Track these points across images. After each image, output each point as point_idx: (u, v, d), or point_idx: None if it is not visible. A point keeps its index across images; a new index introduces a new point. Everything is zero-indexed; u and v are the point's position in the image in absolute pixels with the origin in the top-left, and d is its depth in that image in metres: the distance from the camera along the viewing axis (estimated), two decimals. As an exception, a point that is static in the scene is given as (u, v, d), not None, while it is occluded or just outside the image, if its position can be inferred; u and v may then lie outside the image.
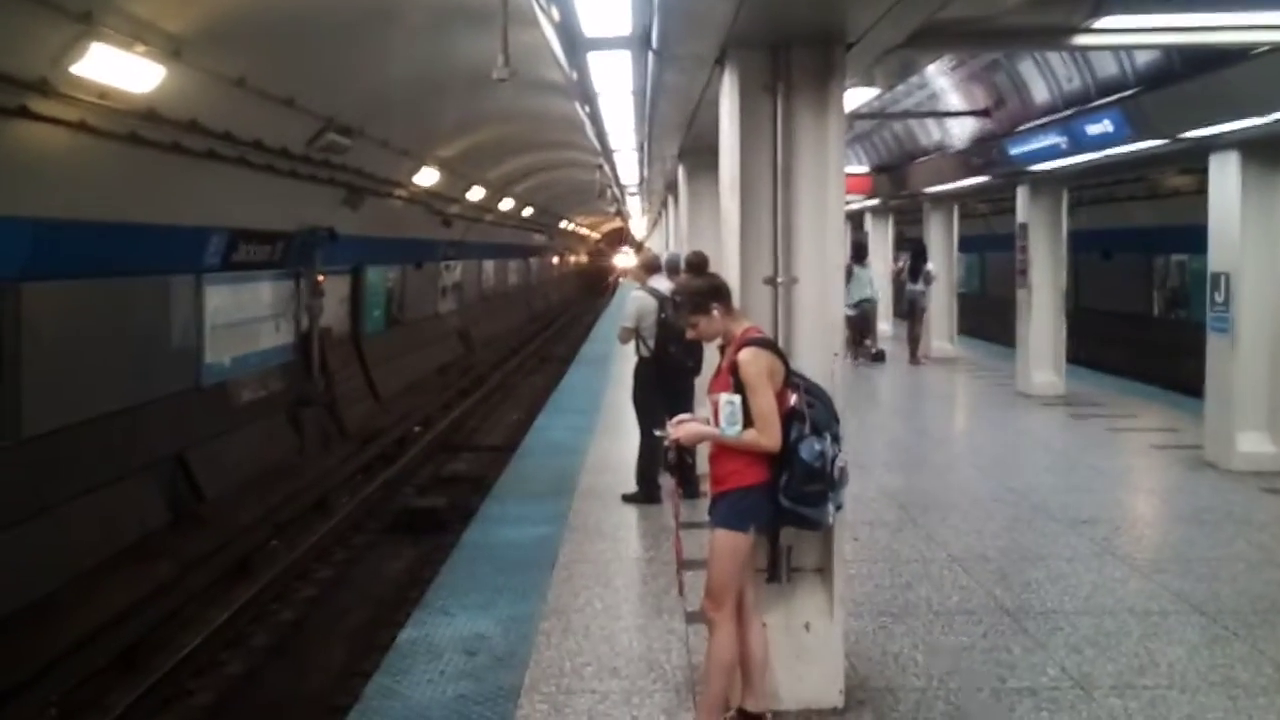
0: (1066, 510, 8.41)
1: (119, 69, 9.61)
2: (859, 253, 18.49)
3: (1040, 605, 6.26)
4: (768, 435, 4.30)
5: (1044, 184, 14.36)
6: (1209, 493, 9.02)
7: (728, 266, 5.00)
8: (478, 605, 6.41)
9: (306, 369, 18.19)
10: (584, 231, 68.06)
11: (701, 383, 7.76)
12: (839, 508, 4.50)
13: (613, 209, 40.71)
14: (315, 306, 18.24)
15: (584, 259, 77.31)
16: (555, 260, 60.27)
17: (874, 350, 18.52)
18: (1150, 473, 10.18)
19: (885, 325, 21.05)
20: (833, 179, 4.86)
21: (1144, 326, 20.43)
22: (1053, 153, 12.12)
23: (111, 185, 11.20)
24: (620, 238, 72.14)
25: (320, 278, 18.23)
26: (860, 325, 17.88)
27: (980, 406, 13.30)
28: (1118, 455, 10.83)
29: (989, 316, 22.87)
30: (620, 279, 61.91)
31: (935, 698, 4.97)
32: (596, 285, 70.11)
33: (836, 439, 4.40)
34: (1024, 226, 14.67)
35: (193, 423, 14.03)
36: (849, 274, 16.82)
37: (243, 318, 16.05)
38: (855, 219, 23.57)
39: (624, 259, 75.08)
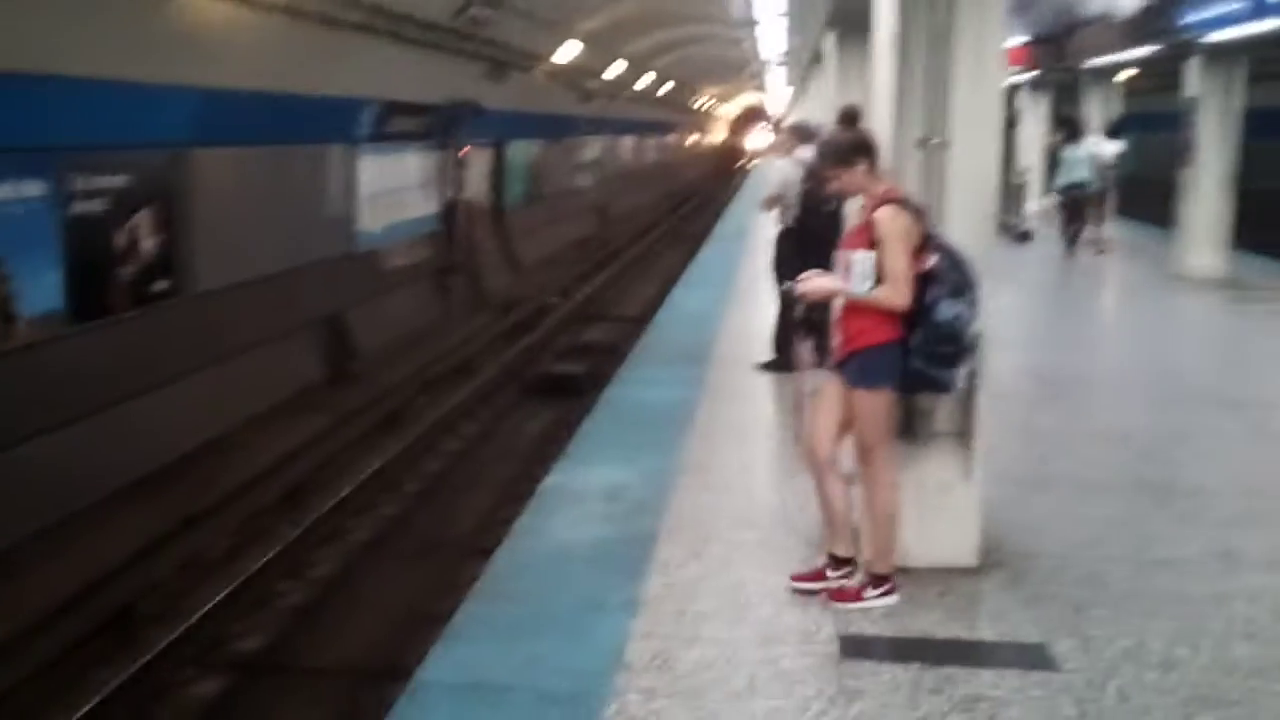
0: (1218, 392, 8.21)
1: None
2: (1071, 129, 15.81)
3: (1186, 483, 6.18)
4: (898, 294, 4.33)
5: (1218, 56, 13.41)
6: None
7: (879, 127, 5.02)
8: (618, 458, 6.66)
9: (451, 238, 18.70)
10: (720, 109, 67.06)
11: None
12: (971, 372, 4.54)
13: (752, 85, 40.06)
14: (460, 178, 18.64)
15: (719, 138, 76.30)
16: (690, 138, 59.68)
17: (1021, 229, 17.13)
18: (1312, 358, 9.77)
19: (1035, 204, 20.35)
20: (992, 40, 4.80)
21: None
22: (1232, 19, 11.33)
23: (272, 57, 11.62)
24: (757, 116, 70.67)
25: (464, 150, 18.56)
26: (1072, 214, 15.40)
27: (1132, 287, 12.92)
28: (1276, 339, 10.44)
29: (1143, 199, 21.93)
30: (751, 162, 60.55)
31: (1071, 564, 5.01)
32: (730, 165, 69.13)
33: (974, 304, 4.40)
34: (1193, 101, 13.98)
35: (346, 286, 14.66)
36: (1054, 155, 15.20)
37: (393, 187, 16.55)
38: (1008, 93, 22.60)
39: (758, 138, 73.37)
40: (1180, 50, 13.75)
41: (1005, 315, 10.96)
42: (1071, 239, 15.22)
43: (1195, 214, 13.89)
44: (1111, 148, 16.03)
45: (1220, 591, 4.73)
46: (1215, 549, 5.21)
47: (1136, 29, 14.23)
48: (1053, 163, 14.94)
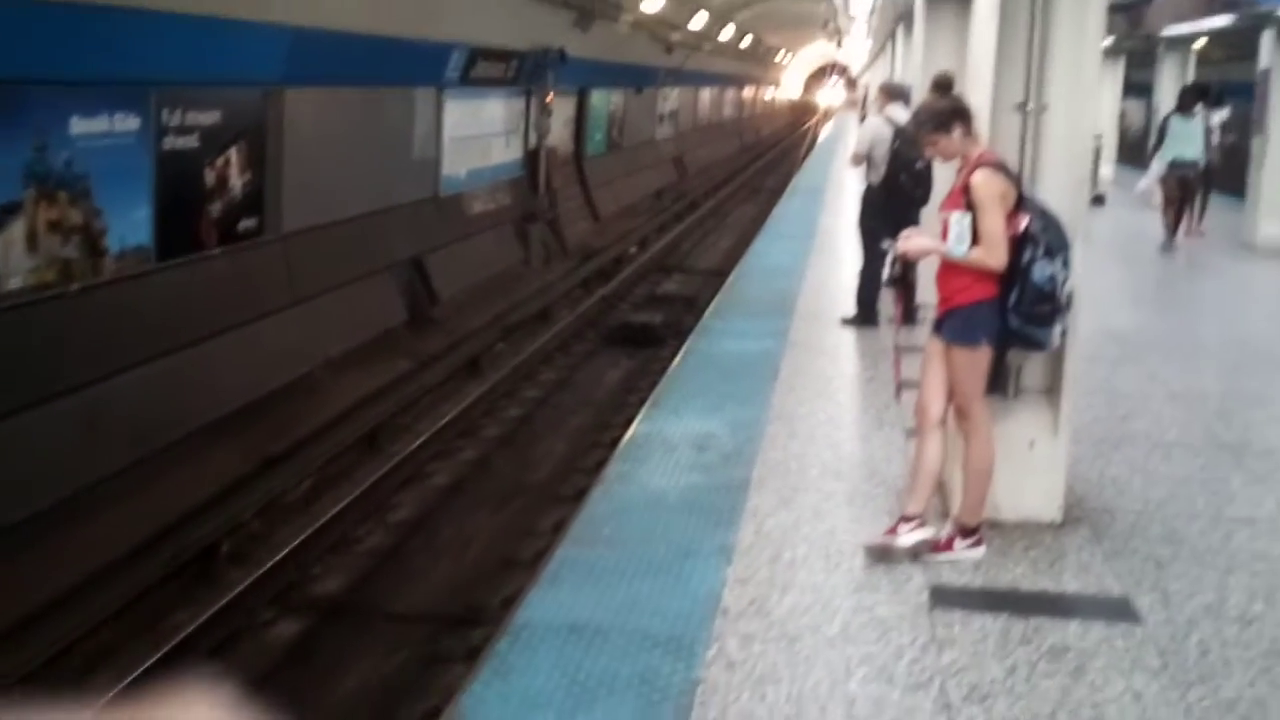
0: (1291, 357, 8.22)
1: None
2: (1184, 99, 13.58)
3: (1262, 443, 6.27)
4: (994, 255, 4.44)
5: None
6: None
7: (977, 91, 5.07)
8: (705, 407, 6.79)
9: (533, 185, 18.83)
10: (798, 64, 66.32)
11: (929, 213, 7.86)
12: (1064, 331, 4.65)
13: (834, 42, 39.61)
14: (543, 126, 18.72)
15: (796, 93, 75.52)
16: (768, 92, 59.17)
17: (1096, 193, 15.62)
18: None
19: (1108, 170, 20.05)
20: (1094, 5, 4.84)
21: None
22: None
23: (362, -2, 11.76)
24: (834, 72, 69.76)
25: (549, 97, 18.65)
26: (1180, 193, 13.25)
27: (1204, 254, 12.81)
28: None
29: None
30: (828, 118, 59.66)
31: (1151, 520, 5.12)
32: (806, 119, 68.33)
33: (1067, 264, 4.51)
34: (1265, 72, 13.77)
35: (430, 230, 14.84)
36: (1163, 129, 13.35)
37: (477, 133, 16.69)
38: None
39: (833, 93, 72.40)
40: (1257, 21, 13.51)
41: (1088, 277, 10.93)
42: (1174, 225, 13.26)
43: (1266, 183, 13.73)
44: (1217, 118, 14.23)
45: (1295, 549, 4.83)
46: (1290, 509, 5.30)
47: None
48: (1161, 136, 13.28)
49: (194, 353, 9.81)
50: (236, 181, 10.70)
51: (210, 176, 10.32)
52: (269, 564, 7.36)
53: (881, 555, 4.63)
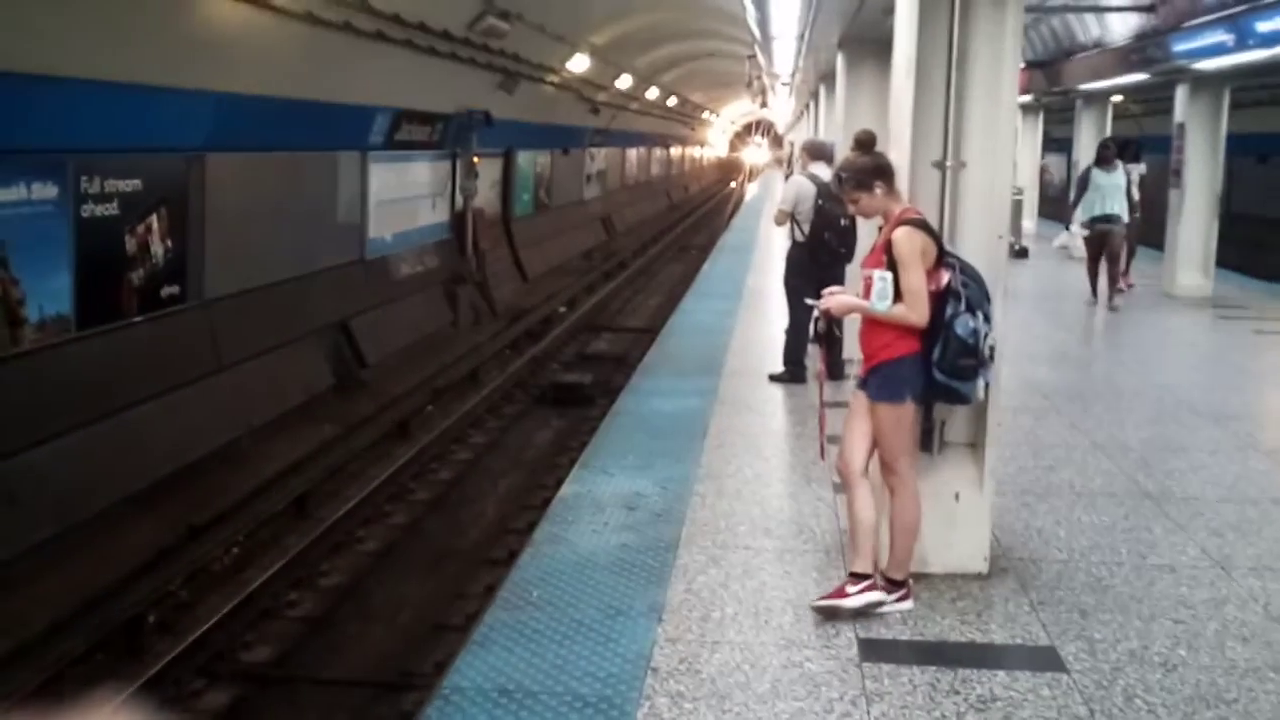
0: (1210, 406, 8.42)
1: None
2: (1104, 152, 13.31)
3: (1182, 492, 6.39)
4: (917, 311, 4.50)
5: (1205, 83, 13.90)
6: (1360, 398, 8.93)
7: (897, 149, 5.15)
8: (635, 466, 6.78)
9: (460, 247, 18.85)
10: (724, 124, 67.33)
11: (852, 270, 7.97)
12: (988, 384, 4.72)
13: (758, 101, 40.27)
14: (470, 187, 18.77)
15: (722, 152, 76.55)
16: (694, 152, 59.95)
17: (1018, 246, 16.57)
18: (1298, 375, 10.07)
19: (1030, 223, 20.55)
20: (1008, 63, 4.95)
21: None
22: (1218, 50, 11.74)
23: (288, 63, 11.73)
24: (759, 131, 70.87)
25: (475, 159, 18.70)
26: (1102, 249, 12.96)
27: (1125, 305, 13.12)
28: (1263, 356, 10.77)
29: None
30: (753, 176, 60.24)
31: (1076, 569, 5.19)
32: (732, 178, 69.02)
33: (988, 318, 4.59)
34: (1181, 126, 14.28)
35: (357, 293, 14.76)
36: (1084, 183, 13.23)
37: (403, 196, 16.69)
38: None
39: (758, 153, 73.35)
40: (1172, 76, 14.03)
41: (1010, 330, 11.12)
42: (1095, 282, 13.18)
43: (1183, 235, 14.25)
44: (1135, 172, 13.99)
45: (1216, 596, 4.92)
46: (1211, 555, 5.41)
47: (1129, 55, 14.48)
48: (1081, 189, 13.22)
49: (116, 422, 9.67)
50: (158, 248, 10.59)
51: (131, 243, 10.20)
52: (197, 633, 7.25)
53: (830, 615, 4.62)
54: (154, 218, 10.49)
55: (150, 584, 8.04)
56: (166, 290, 10.76)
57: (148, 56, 9.56)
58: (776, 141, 60.94)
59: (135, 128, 9.90)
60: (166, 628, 7.64)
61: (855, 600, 4.62)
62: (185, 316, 11.05)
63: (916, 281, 4.50)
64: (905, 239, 4.53)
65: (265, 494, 10.12)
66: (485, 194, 20.46)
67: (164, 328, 10.67)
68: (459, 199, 18.80)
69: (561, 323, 18.74)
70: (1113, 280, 12.96)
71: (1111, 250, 12.86)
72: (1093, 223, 12.90)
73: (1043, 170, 19.59)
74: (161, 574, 8.26)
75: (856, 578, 4.68)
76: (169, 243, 10.71)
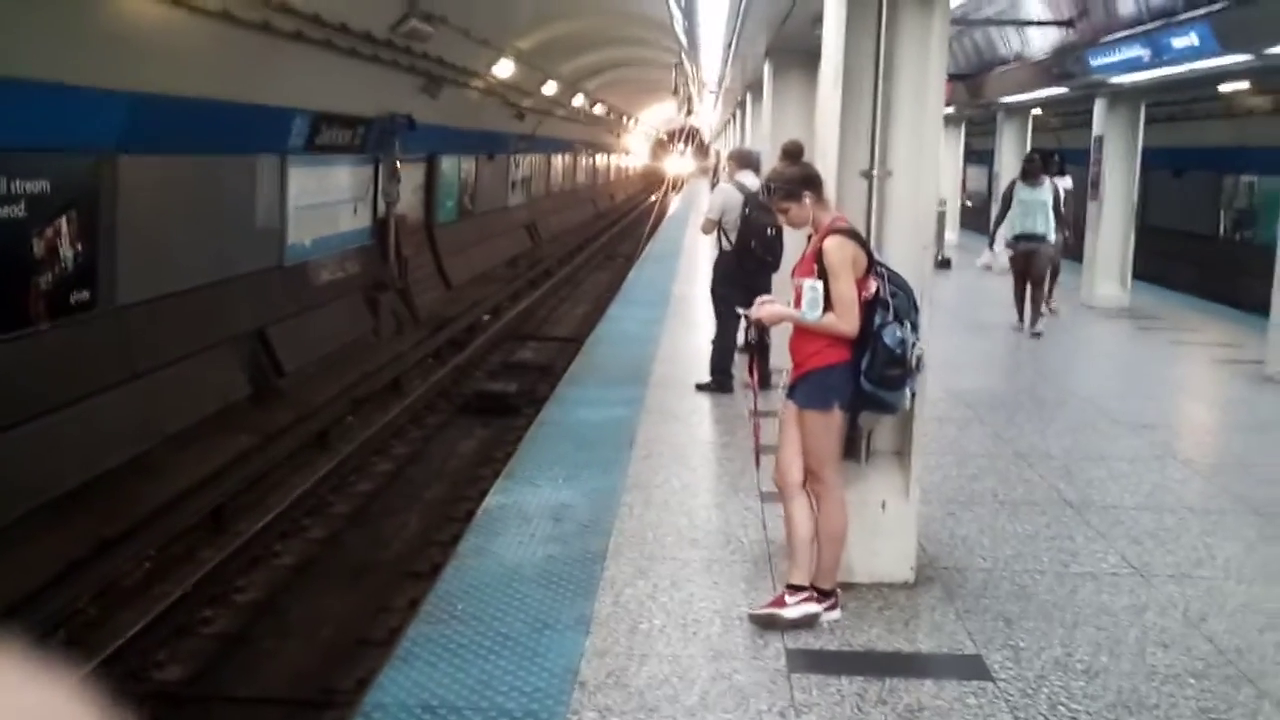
0: (1128, 415, 8.58)
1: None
2: (1027, 168, 12.55)
3: (1102, 500, 6.48)
4: (846, 320, 4.50)
5: (1122, 97, 14.28)
6: (1270, 406, 9.15)
7: (824, 158, 5.15)
8: (561, 477, 6.71)
9: (382, 254, 18.59)
10: (651, 132, 67.42)
11: (779, 279, 7.98)
12: (914, 394, 4.73)
13: (684, 110, 40.39)
14: (392, 193, 18.53)
15: (649, 160, 76.60)
16: (620, 160, 59.94)
17: (940, 259, 16.18)
18: (1212, 384, 10.35)
19: (952, 234, 20.83)
20: (934, 73, 4.99)
21: (1209, 246, 20.62)
22: (1134, 65, 12.01)
23: (203, 62, 11.47)
24: (685, 139, 70.92)
25: (398, 164, 18.48)
26: (1023, 271, 12.29)
27: (1046, 329, 13.31)
28: (1180, 366, 11.04)
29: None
30: (679, 185, 60.15)
31: (1001, 578, 5.22)
32: (659, 186, 69.11)
33: (915, 327, 4.62)
34: (1099, 140, 14.62)
35: (275, 300, 14.47)
36: (1008, 198, 12.48)
37: (323, 200, 16.39)
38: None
39: (685, 162, 73.26)
40: (1091, 90, 14.34)
41: (933, 340, 11.25)
42: (1021, 306, 12.45)
43: (1101, 246, 14.58)
44: (1062, 186, 13.21)
45: (1136, 603, 4.98)
46: (1131, 562, 5.48)
47: (1049, 69, 14.78)
48: (1006, 205, 12.53)
49: (23, 432, 9.35)
50: (68, 252, 10.25)
51: (39, 247, 9.86)
52: (108, 651, 6.98)
53: (767, 625, 4.59)
54: (63, 220, 10.15)
55: (59, 599, 7.78)
56: (76, 296, 10.42)
57: (57, 53, 9.26)
58: (703, 150, 61.00)
59: (43, 127, 9.58)
60: (75, 644, 7.36)
61: (793, 611, 4.59)
62: (96, 323, 10.72)
63: (847, 291, 4.50)
64: (836, 248, 4.52)
65: (179, 506, 9.82)
66: (408, 199, 20.23)
67: (74, 334, 10.34)
68: (381, 204, 18.54)
69: (486, 331, 18.53)
70: (1035, 304, 12.22)
71: (1035, 273, 12.13)
72: (1016, 241, 12.22)
73: (964, 182, 19.98)
74: (70, 589, 7.98)
75: (794, 589, 4.66)
76: (79, 246, 10.37)
